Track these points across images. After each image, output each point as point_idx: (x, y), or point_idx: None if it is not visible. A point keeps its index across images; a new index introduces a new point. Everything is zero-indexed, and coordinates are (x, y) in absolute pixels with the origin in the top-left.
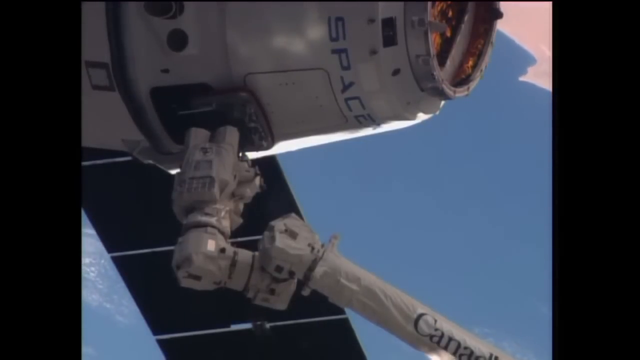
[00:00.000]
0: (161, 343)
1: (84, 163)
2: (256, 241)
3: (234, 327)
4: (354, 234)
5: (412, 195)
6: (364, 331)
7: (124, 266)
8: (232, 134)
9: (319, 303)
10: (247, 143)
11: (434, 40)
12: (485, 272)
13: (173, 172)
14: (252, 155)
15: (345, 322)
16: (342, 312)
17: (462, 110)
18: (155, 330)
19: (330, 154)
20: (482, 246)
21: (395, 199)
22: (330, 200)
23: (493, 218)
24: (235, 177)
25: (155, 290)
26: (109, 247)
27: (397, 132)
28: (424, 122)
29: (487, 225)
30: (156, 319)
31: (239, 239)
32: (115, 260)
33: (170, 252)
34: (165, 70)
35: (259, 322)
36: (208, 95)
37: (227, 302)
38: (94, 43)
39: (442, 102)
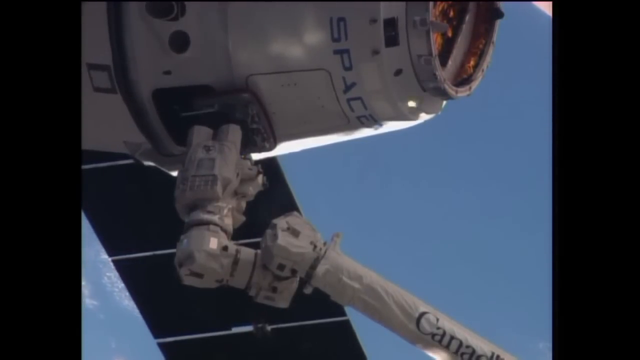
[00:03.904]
0: (162, 346)
1: (86, 166)
2: (255, 243)
3: (235, 330)
4: (355, 233)
5: (413, 195)
6: (365, 333)
7: (125, 269)
8: (234, 132)
9: (319, 305)
10: (249, 144)
11: (435, 40)
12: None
13: (175, 173)
14: (254, 156)
15: (346, 323)
16: (343, 313)
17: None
18: (157, 333)
19: (331, 153)
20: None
21: (396, 199)
22: (330, 200)
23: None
24: (237, 175)
25: (157, 293)
26: (110, 251)
27: (398, 132)
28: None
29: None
30: (157, 322)
31: (240, 241)
32: (116, 263)
33: (172, 255)
34: (167, 72)
35: (260, 325)
36: (210, 96)
37: (228, 304)
38: (95, 45)
39: (444, 102)
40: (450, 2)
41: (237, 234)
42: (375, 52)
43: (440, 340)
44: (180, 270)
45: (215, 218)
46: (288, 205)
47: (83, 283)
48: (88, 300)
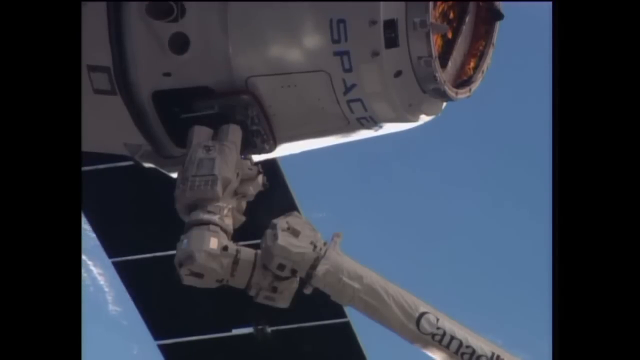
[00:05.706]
0: (162, 348)
1: (86, 168)
2: (256, 245)
3: (235, 332)
4: (355, 233)
5: (413, 195)
6: (365, 334)
7: (125, 271)
8: (234, 132)
9: (320, 306)
10: (249, 146)
11: (435, 41)
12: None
13: (175, 175)
14: (254, 158)
15: (347, 325)
16: (343, 315)
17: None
18: (157, 335)
19: (331, 153)
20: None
21: (396, 199)
22: (330, 200)
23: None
24: (238, 175)
25: (157, 294)
26: (110, 252)
27: (399, 133)
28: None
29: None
30: (157, 324)
31: (240, 243)
32: (116, 265)
33: (172, 257)
34: (167, 74)
35: (260, 327)
36: (210, 98)
37: (228, 306)
38: (95, 47)
39: (444, 104)
40: (450, 3)
41: (237, 235)
42: (375, 54)
43: (441, 340)
44: (181, 270)
45: (216, 218)
46: (288, 207)
47: (106, 290)
48: (111, 307)
